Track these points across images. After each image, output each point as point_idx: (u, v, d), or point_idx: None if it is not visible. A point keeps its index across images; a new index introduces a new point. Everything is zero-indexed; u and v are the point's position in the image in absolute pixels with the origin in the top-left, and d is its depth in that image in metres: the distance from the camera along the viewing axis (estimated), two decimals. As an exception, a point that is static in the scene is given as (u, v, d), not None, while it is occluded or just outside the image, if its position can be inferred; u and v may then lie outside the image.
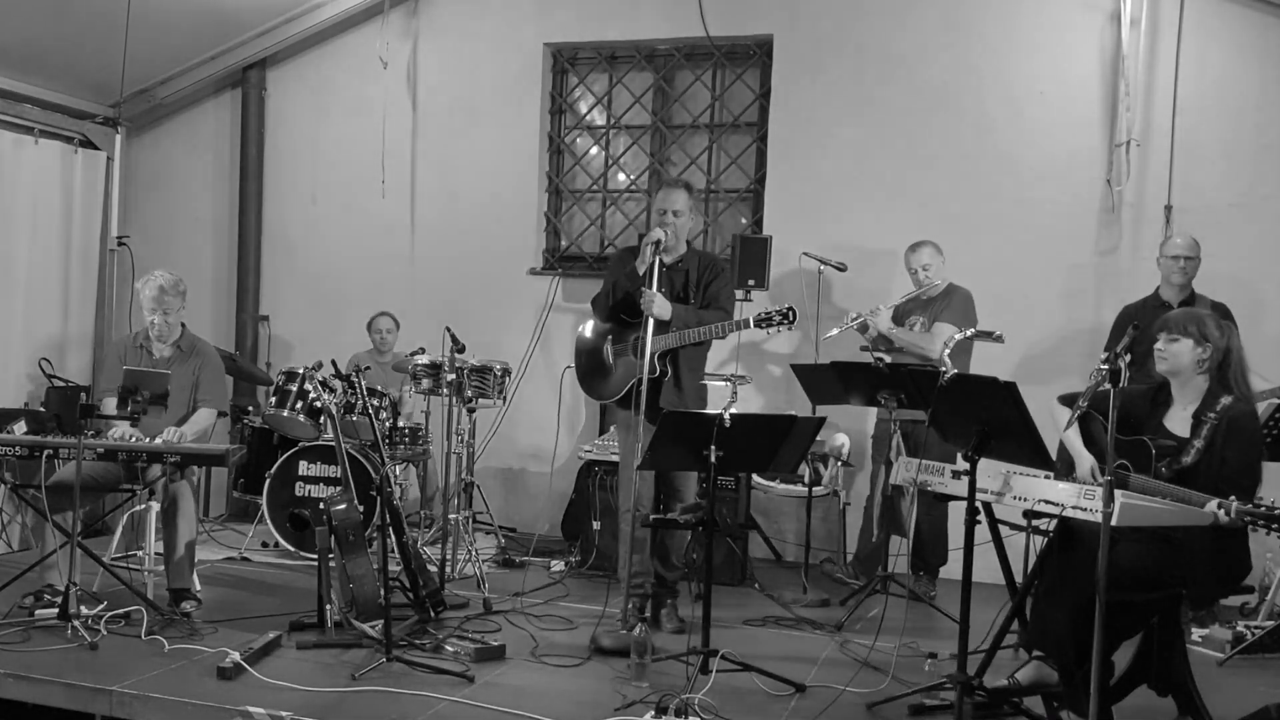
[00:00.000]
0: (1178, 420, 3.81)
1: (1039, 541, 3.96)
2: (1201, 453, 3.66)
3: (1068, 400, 3.98)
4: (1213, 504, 3.41)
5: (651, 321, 4.57)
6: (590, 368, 4.99)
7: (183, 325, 5.23)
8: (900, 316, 5.75)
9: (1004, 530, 4.03)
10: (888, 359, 5.34)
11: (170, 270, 5.22)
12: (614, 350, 4.89)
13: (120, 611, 4.53)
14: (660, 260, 4.66)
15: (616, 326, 4.89)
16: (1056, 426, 4.02)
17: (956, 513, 3.75)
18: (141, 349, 5.15)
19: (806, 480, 5.91)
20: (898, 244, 5.97)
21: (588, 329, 5.05)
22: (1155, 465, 3.69)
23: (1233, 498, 3.38)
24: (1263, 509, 3.31)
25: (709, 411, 4.10)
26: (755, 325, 4.58)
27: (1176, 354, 3.78)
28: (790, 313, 4.56)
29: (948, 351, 5.20)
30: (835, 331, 5.67)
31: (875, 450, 5.85)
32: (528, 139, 7.30)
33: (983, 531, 3.75)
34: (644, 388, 4.49)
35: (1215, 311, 4.82)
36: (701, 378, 4.97)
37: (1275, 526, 3.28)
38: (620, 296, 4.78)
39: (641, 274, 4.67)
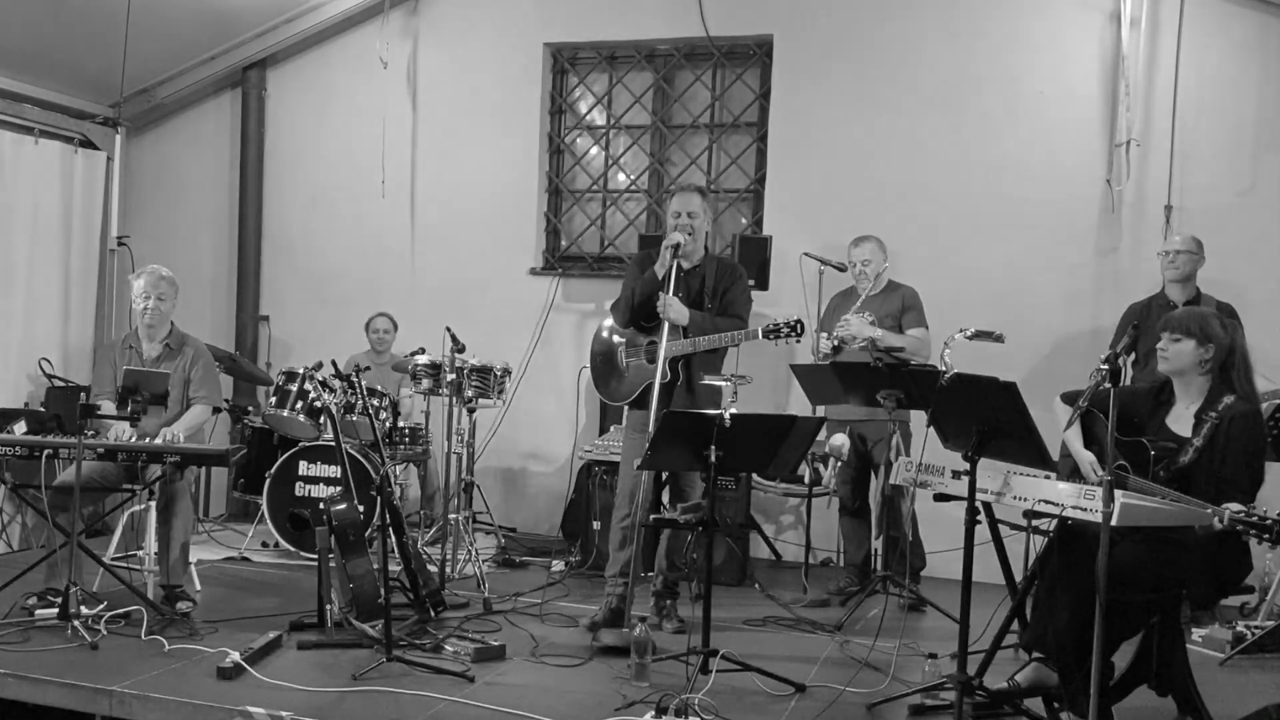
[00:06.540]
0: (1180, 419, 3.80)
1: (1039, 541, 3.96)
2: (1201, 452, 3.66)
3: (1070, 399, 3.97)
4: (1207, 511, 3.40)
5: (667, 325, 4.57)
6: (604, 369, 5.00)
7: (171, 323, 5.21)
8: (833, 311, 5.71)
9: (1004, 530, 4.03)
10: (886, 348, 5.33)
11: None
12: (627, 353, 4.89)
13: (120, 611, 4.53)
14: (678, 264, 4.66)
15: (631, 329, 4.89)
16: (1058, 426, 4.01)
17: (954, 512, 3.75)
18: (130, 350, 5.13)
19: (806, 480, 5.91)
20: (898, 244, 5.96)
21: (603, 330, 5.04)
22: (1153, 468, 3.68)
23: (1225, 505, 3.36)
24: (1254, 517, 3.27)
25: (709, 411, 4.09)
26: (764, 336, 4.58)
27: (1179, 354, 3.78)
28: (798, 325, 4.57)
29: (949, 352, 5.19)
30: (826, 349, 5.60)
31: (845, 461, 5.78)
32: (528, 139, 7.29)
33: (983, 531, 3.75)
34: (656, 392, 4.48)
35: (1220, 311, 4.81)
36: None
37: (1266, 536, 3.25)
38: (641, 300, 4.74)
39: (661, 278, 4.66)
